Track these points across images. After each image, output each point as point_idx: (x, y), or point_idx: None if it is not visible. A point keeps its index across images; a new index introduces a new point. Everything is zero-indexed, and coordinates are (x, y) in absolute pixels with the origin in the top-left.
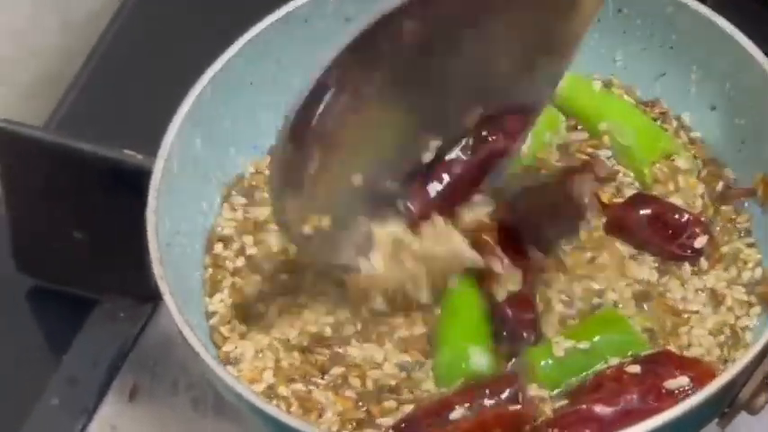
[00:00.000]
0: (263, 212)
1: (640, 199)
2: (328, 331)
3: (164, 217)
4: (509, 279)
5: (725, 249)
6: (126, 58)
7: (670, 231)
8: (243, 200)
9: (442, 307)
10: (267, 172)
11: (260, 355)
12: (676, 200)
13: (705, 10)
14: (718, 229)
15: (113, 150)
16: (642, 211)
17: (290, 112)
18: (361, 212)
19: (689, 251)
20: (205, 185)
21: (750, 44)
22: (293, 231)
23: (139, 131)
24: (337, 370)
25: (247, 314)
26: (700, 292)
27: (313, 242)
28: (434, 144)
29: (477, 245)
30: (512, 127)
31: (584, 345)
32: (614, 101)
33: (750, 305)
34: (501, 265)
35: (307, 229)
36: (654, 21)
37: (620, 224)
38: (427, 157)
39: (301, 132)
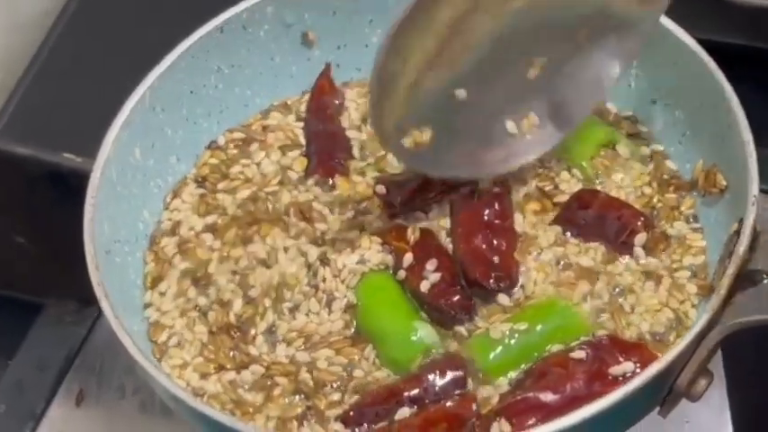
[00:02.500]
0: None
1: (583, 197)
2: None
3: (102, 225)
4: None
5: (671, 232)
6: (69, 61)
7: (612, 230)
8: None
9: (360, 300)
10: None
11: (189, 346)
12: (620, 192)
13: None
14: (662, 217)
15: (51, 154)
16: (585, 211)
17: (394, 21)
18: (466, 130)
19: (631, 247)
20: (146, 194)
21: (687, 37)
22: (392, 143)
23: (84, 135)
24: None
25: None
26: (642, 276)
27: (415, 156)
28: (540, 61)
29: (387, 246)
30: None
31: (522, 326)
32: None
33: (690, 292)
34: (410, 258)
35: (407, 143)
36: None
37: (566, 220)
38: (532, 73)
39: (402, 39)
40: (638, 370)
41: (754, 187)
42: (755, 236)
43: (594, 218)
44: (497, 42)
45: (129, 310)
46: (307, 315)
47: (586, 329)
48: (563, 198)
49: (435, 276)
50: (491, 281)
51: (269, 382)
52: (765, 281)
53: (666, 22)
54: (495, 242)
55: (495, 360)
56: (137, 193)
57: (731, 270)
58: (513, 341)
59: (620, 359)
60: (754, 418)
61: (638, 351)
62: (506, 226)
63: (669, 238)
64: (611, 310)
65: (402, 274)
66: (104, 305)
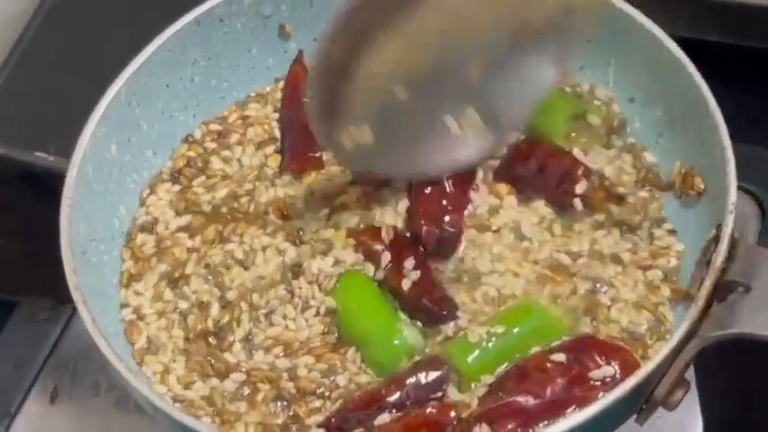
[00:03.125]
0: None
1: (522, 149)
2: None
3: (78, 224)
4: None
5: (643, 232)
6: (40, 60)
7: (553, 180)
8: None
9: (340, 303)
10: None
11: (168, 351)
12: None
13: (621, 3)
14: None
15: (23, 152)
16: (524, 163)
17: (332, 18)
18: (406, 129)
19: (573, 196)
20: (122, 190)
21: (665, 36)
22: (333, 142)
23: (56, 133)
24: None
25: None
26: (619, 275)
27: (355, 156)
28: (481, 61)
29: (365, 246)
30: None
31: (499, 329)
32: None
33: (664, 294)
34: (388, 257)
35: (347, 143)
36: None
37: (509, 173)
38: (473, 73)
39: (341, 36)
40: (618, 374)
41: (733, 194)
42: (733, 244)
43: (534, 169)
44: (439, 41)
45: (106, 310)
46: (284, 321)
47: (565, 330)
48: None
49: (415, 274)
50: (432, 241)
51: (250, 389)
52: (742, 291)
53: (647, 22)
54: (447, 205)
55: (474, 363)
56: (113, 189)
57: (709, 281)
58: (491, 344)
59: (601, 362)
60: (722, 409)
61: (619, 354)
62: (464, 191)
63: (611, 192)
64: (590, 305)
65: (381, 274)
66: (82, 310)
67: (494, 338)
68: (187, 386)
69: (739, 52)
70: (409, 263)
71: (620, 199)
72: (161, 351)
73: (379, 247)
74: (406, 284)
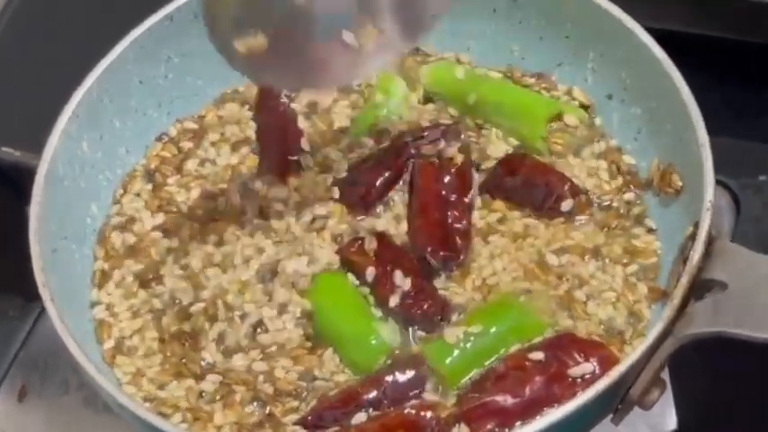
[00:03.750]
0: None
1: (509, 162)
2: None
3: (49, 222)
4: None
5: (620, 237)
6: (10, 55)
7: (539, 196)
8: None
9: (315, 304)
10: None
11: (141, 352)
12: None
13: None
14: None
15: None
16: (512, 177)
17: None
18: (303, 37)
19: (559, 214)
20: (95, 187)
21: (644, 33)
22: (226, 47)
23: (23, 129)
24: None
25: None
26: (599, 272)
27: (252, 64)
28: None
29: (349, 261)
30: None
31: (476, 328)
32: (481, 78)
33: (641, 292)
34: (373, 272)
35: (241, 47)
36: (549, 10)
37: (495, 186)
38: None
39: None
40: (597, 371)
41: (710, 192)
42: (710, 241)
43: (521, 184)
44: None
45: (76, 309)
46: (260, 323)
47: (543, 327)
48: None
49: (407, 283)
50: (437, 260)
51: (226, 391)
52: (718, 290)
53: (625, 18)
54: (449, 218)
55: (452, 364)
56: (84, 187)
57: (685, 279)
58: (468, 344)
59: (579, 359)
60: (697, 406)
61: (598, 350)
62: (462, 200)
63: (602, 208)
64: (568, 301)
65: (367, 290)
66: (50, 308)
67: (471, 338)
68: (160, 387)
69: (718, 44)
70: (398, 276)
71: (607, 208)
72: (133, 351)
73: (365, 260)
74: (393, 300)
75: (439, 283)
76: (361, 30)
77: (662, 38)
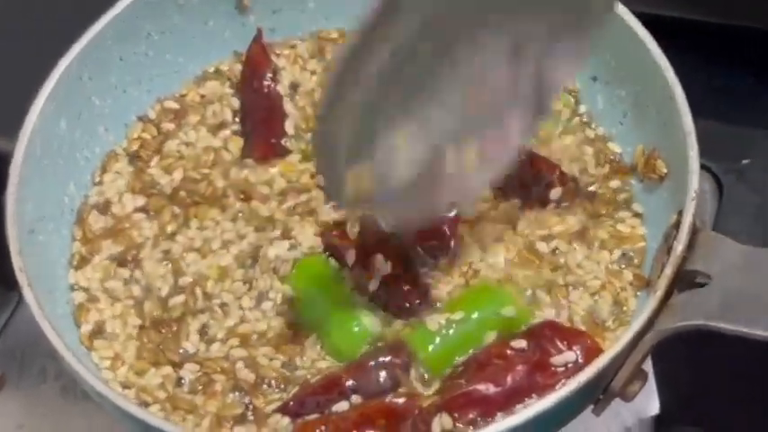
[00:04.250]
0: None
1: None
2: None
3: (26, 203)
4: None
5: (607, 225)
6: None
7: (528, 179)
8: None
9: (296, 290)
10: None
11: (120, 338)
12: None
13: None
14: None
15: None
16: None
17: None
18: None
19: (548, 202)
20: (73, 166)
21: (630, 15)
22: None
23: (6, 115)
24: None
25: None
26: (584, 259)
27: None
28: None
29: (331, 244)
30: None
31: (458, 315)
32: None
33: (626, 279)
34: (353, 255)
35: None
36: None
37: None
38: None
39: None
40: (580, 359)
41: (695, 181)
42: (694, 232)
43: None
44: None
45: (54, 292)
46: (240, 312)
47: (525, 313)
48: None
49: (386, 268)
50: (425, 249)
51: (206, 380)
52: (702, 281)
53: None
54: None
55: (435, 351)
56: (62, 165)
57: (669, 270)
58: (450, 331)
59: (562, 347)
60: (679, 396)
61: (580, 339)
62: None
63: (585, 193)
64: (552, 288)
65: (347, 272)
66: (27, 294)
67: (453, 325)
68: (138, 374)
69: (704, 27)
70: (379, 259)
71: (593, 196)
72: (112, 337)
73: (347, 243)
74: (372, 285)
75: (426, 272)
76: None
77: (648, 21)
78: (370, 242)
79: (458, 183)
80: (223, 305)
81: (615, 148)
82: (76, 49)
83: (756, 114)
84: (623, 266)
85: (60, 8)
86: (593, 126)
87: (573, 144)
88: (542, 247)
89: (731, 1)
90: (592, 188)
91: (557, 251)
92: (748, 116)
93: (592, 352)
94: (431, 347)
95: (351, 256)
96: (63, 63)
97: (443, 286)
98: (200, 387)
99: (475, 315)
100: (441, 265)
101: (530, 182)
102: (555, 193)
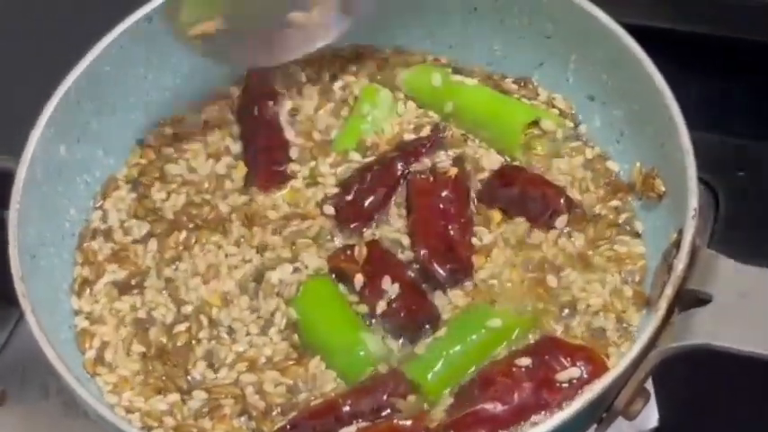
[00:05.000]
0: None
1: (505, 174)
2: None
3: (27, 229)
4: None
5: (606, 247)
6: None
7: (535, 209)
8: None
9: (301, 313)
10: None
11: (124, 364)
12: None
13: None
14: (600, 222)
15: None
16: (508, 189)
17: None
18: (255, 17)
19: (553, 226)
20: (73, 191)
21: (626, 35)
22: (184, 34)
23: (7, 132)
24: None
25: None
26: (586, 277)
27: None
28: None
29: (338, 267)
30: None
31: (440, 332)
32: (458, 86)
33: (626, 295)
34: (361, 279)
35: (196, 31)
36: (531, 10)
37: (490, 197)
38: None
39: None
40: (584, 374)
41: (694, 201)
42: (694, 251)
43: (517, 195)
44: None
45: (56, 316)
46: (247, 338)
47: (525, 330)
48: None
49: (394, 290)
50: (445, 273)
51: (213, 406)
52: (703, 301)
53: (606, 19)
54: (451, 231)
55: (436, 377)
56: (62, 190)
57: (669, 290)
58: (451, 354)
59: (566, 364)
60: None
61: (583, 354)
62: (462, 212)
63: (591, 218)
64: (553, 307)
65: (356, 298)
66: (30, 319)
67: (452, 349)
68: (144, 399)
69: (696, 39)
70: (386, 282)
71: (597, 219)
72: (116, 363)
73: (353, 267)
74: (380, 306)
75: (440, 295)
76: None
77: (642, 33)
78: (377, 265)
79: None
80: (230, 331)
81: (613, 166)
82: (75, 73)
83: (751, 126)
84: (624, 284)
85: (65, 24)
86: (591, 145)
87: (573, 165)
88: (545, 268)
89: (723, 12)
90: (596, 209)
91: (560, 274)
92: (743, 128)
93: (596, 367)
94: (431, 374)
95: (359, 281)
96: (61, 89)
97: (449, 307)
98: (207, 411)
99: (473, 337)
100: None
101: (537, 208)
102: (561, 221)
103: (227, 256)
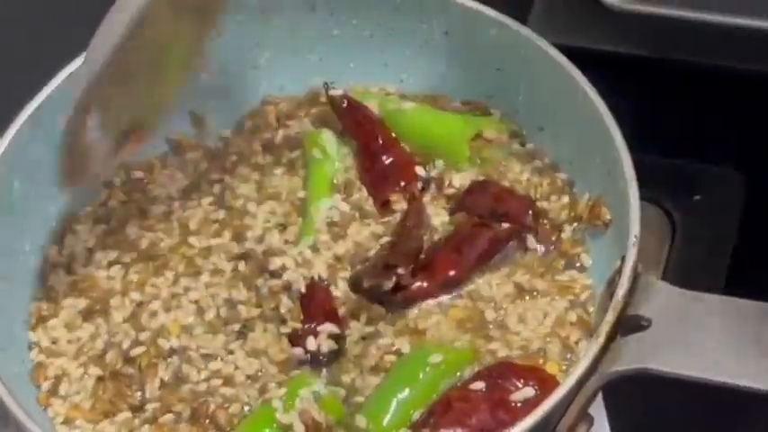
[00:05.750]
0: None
1: (474, 189)
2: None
3: None
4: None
5: (556, 274)
6: None
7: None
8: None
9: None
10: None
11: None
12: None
13: (527, 32)
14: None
15: None
16: (478, 203)
17: None
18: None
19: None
20: (27, 225)
21: (570, 65)
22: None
23: None
24: None
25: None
26: (530, 305)
27: None
28: None
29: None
30: None
31: (401, 379)
32: (397, 113)
33: (570, 320)
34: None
35: None
36: (480, 43)
37: (463, 207)
38: None
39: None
40: (538, 393)
41: (636, 228)
42: (635, 277)
43: (488, 209)
44: None
45: (9, 350)
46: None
47: (469, 359)
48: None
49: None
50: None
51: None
52: (644, 326)
53: (552, 50)
54: None
55: (391, 422)
56: (17, 225)
57: (610, 316)
58: (401, 397)
59: (519, 385)
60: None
61: (534, 374)
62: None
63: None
64: (500, 335)
65: None
66: None
67: (400, 393)
68: (95, 424)
69: (644, 63)
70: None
71: (560, 227)
72: (69, 393)
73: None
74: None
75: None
76: None
77: (589, 58)
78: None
79: None
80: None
81: (564, 176)
82: (27, 111)
83: (703, 150)
84: (570, 311)
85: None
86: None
87: (527, 174)
88: (486, 304)
89: (668, 36)
90: (561, 217)
91: (501, 309)
92: (695, 152)
93: (548, 384)
94: (386, 420)
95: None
96: (12, 128)
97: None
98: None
99: (420, 375)
100: (387, 320)
101: (503, 218)
102: (531, 242)
103: (190, 288)
